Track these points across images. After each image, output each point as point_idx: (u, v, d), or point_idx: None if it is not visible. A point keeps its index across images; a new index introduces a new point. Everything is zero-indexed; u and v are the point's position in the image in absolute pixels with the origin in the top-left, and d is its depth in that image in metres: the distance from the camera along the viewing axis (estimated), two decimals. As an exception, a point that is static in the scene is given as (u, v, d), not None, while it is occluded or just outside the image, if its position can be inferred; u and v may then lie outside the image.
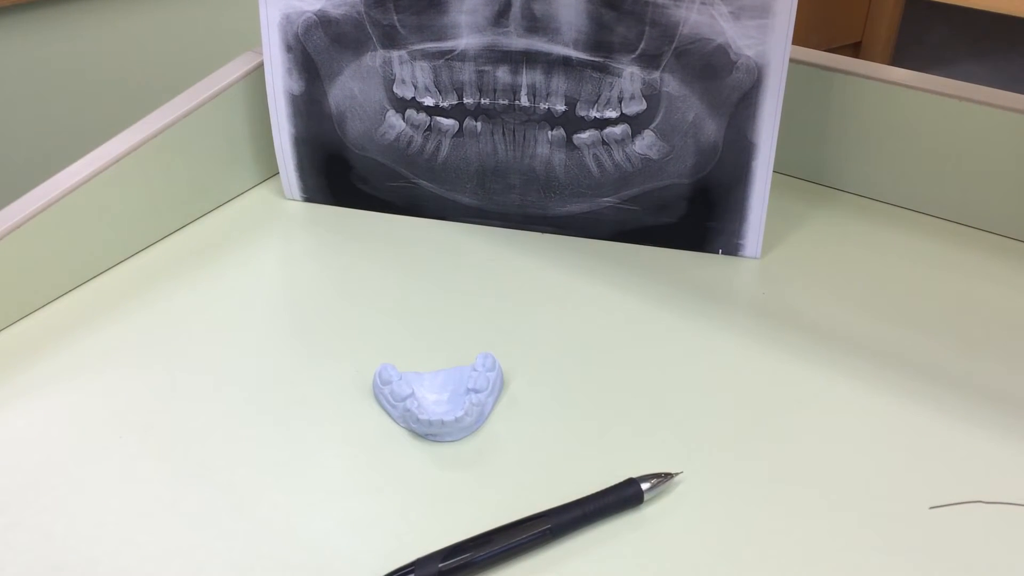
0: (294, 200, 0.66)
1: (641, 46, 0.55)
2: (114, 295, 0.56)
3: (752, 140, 0.56)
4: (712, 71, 0.54)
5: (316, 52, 0.60)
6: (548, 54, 0.56)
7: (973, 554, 0.40)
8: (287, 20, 0.59)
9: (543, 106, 0.58)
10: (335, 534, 0.41)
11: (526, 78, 0.57)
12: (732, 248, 0.59)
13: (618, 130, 0.57)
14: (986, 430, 0.46)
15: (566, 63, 0.56)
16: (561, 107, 0.57)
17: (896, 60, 2.12)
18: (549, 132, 0.58)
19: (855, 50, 2.05)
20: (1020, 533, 0.41)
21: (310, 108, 0.62)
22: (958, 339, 0.52)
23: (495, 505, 0.43)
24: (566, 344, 0.52)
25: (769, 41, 0.53)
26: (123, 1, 0.98)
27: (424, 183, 0.62)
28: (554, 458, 0.45)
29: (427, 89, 0.59)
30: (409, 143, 0.61)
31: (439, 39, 0.57)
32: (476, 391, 0.47)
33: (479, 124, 0.59)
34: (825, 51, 0.64)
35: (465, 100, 0.59)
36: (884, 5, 1.96)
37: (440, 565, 0.39)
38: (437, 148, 0.61)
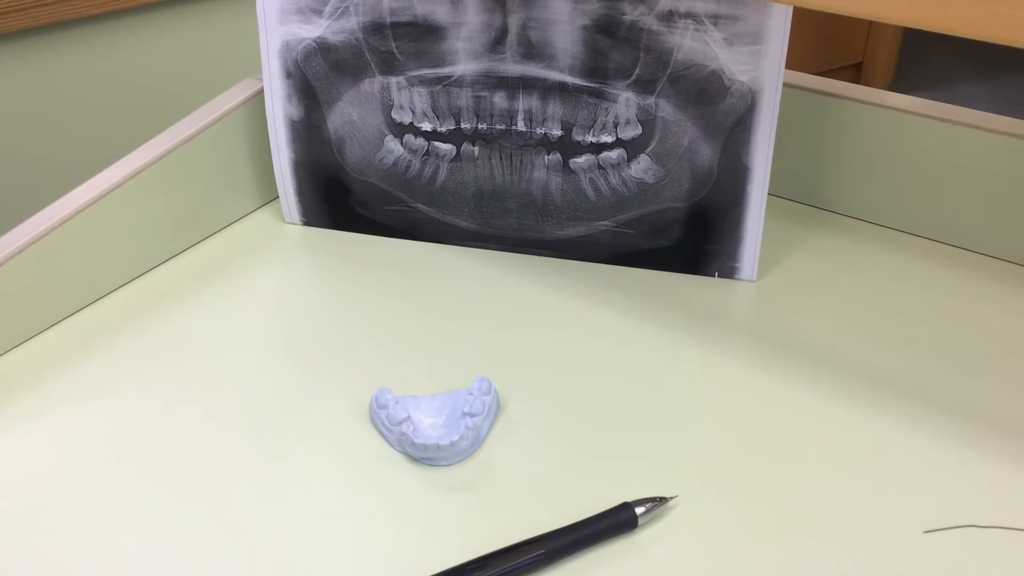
0: (294, 224, 0.66)
1: (636, 72, 0.55)
2: (114, 319, 0.57)
3: (747, 164, 0.56)
4: (706, 96, 0.55)
5: (315, 78, 0.60)
6: (544, 80, 0.57)
7: (966, 578, 0.40)
8: (287, 47, 0.60)
9: (540, 131, 0.58)
10: (331, 558, 0.42)
11: (523, 103, 0.58)
12: (728, 271, 0.60)
13: (614, 155, 0.58)
14: (981, 454, 0.46)
15: (562, 89, 0.57)
16: (557, 132, 0.58)
17: (897, 80, 2.13)
18: (546, 156, 0.59)
19: (856, 70, 2.05)
20: (1013, 557, 0.41)
21: (309, 133, 0.62)
22: (954, 361, 0.53)
23: (490, 529, 0.43)
24: (562, 367, 0.53)
25: (762, 67, 0.53)
26: (124, 28, 0.99)
27: (422, 207, 0.63)
28: (549, 482, 0.45)
29: (425, 114, 0.60)
30: (407, 168, 0.62)
31: (437, 65, 0.58)
32: (472, 415, 0.47)
33: (476, 149, 0.60)
34: (826, 72, 0.64)
35: (462, 125, 0.59)
36: (885, 26, 1.97)
37: (434, 590, 0.39)
38: (435, 172, 0.61)
